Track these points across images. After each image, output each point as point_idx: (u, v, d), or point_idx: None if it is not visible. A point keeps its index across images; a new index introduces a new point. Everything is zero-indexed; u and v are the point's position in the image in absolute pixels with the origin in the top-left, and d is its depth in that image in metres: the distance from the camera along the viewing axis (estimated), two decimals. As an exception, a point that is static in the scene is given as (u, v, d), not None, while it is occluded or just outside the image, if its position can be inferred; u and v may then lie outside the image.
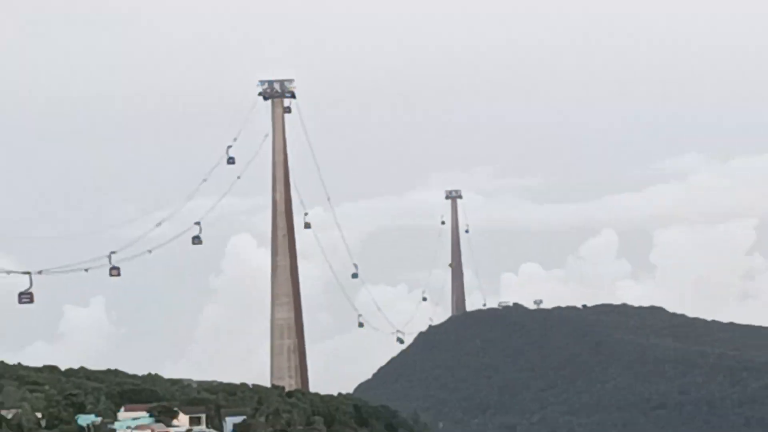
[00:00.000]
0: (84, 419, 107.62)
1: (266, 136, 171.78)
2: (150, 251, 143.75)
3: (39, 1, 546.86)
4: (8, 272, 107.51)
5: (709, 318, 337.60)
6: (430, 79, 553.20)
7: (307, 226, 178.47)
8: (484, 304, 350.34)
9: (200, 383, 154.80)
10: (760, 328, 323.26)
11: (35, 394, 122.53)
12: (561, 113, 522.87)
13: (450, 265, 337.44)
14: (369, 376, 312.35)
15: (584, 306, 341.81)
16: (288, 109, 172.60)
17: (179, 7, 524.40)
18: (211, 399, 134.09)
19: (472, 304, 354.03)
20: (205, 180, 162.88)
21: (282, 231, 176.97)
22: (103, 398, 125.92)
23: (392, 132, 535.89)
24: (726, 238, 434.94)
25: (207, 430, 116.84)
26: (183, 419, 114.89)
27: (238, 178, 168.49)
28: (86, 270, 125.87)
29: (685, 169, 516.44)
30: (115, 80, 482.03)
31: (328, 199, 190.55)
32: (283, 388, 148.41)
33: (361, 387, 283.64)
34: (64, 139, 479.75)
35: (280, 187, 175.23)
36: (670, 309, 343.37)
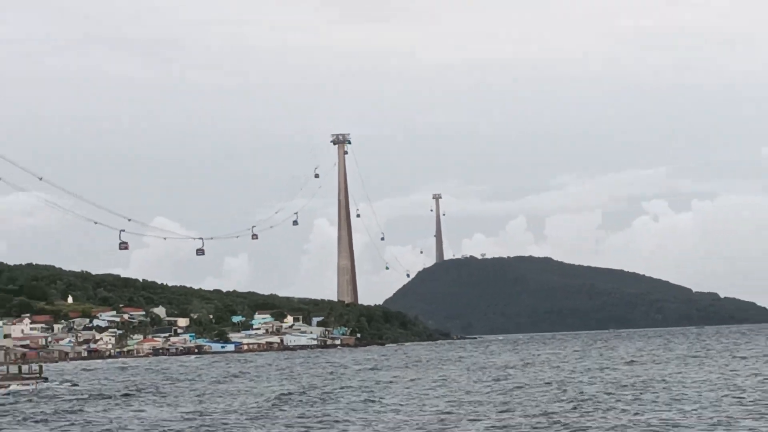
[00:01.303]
0: (235, 318, 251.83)
1: (334, 164, 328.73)
2: (272, 227, 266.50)
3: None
4: (194, 238, 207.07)
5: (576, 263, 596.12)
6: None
7: (357, 215, 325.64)
8: (453, 255, 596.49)
9: (300, 299, 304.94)
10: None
11: (209, 304, 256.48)
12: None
13: (434, 235, 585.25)
14: (390, 295, 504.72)
15: (508, 257, 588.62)
16: (346, 151, 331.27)
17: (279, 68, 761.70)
18: (304, 307, 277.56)
19: (447, 255, 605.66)
20: (301, 188, 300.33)
21: (343, 217, 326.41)
22: (246, 307, 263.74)
23: (409, 159, 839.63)
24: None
25: (302, 324, 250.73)
26: (289, 318, 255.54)
27: (320, 187, 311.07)
28: (237, 237, 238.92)
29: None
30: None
31: (368, 198, 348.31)
32: (344, 301, 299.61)
33: (386, 301, 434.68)
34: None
35: (342, 192, 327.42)
36: (558, 259, 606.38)
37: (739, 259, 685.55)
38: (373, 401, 58.08)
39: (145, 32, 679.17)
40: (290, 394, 66.25)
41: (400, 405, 53.43)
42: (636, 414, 40.65)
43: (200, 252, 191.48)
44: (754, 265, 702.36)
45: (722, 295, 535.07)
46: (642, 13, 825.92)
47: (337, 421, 44.28)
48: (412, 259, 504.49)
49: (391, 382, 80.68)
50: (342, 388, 72.24)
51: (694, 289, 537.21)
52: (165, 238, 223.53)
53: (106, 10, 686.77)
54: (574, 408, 46.83)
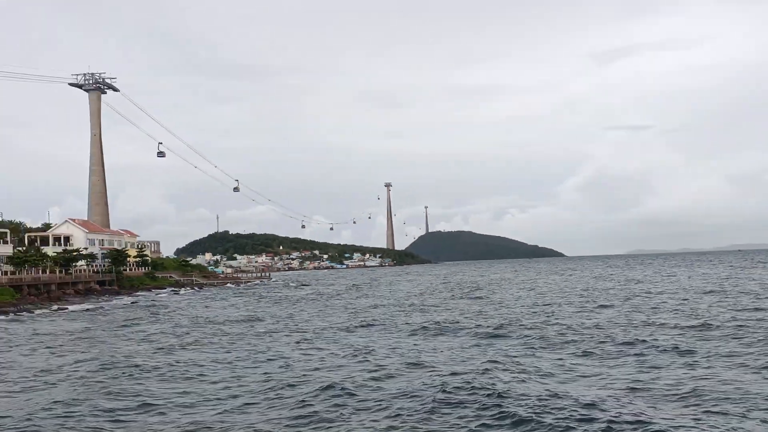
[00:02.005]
0: (347, 255, 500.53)
1: (378, 198, 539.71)
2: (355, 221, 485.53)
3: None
4: (330, 223, 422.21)
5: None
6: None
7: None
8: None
9: (372, 247, 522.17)
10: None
11: (335, 249, 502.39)
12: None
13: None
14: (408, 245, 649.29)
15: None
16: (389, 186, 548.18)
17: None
18: (368, 249, 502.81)
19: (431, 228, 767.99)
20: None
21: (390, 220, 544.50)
22: (352, 250, 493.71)
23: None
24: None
25: (372, 257, 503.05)
26: (368, 255, 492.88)
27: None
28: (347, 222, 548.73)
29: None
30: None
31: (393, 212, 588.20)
32: (389, 248, 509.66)
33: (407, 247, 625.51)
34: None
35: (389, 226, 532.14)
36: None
37: None
38: (390, 285, 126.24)
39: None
40: (357, 284, 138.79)
41: (399, 289, 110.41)
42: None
43: (331, 229, 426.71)
44: None
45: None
46: None
47: (377, 291, 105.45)
48: (413, 231, 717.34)
49: (399, 280, 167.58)
50: (377, 282, 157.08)
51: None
52: (319, 224, 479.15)
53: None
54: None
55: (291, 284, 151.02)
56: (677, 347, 32.26)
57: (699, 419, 19.56)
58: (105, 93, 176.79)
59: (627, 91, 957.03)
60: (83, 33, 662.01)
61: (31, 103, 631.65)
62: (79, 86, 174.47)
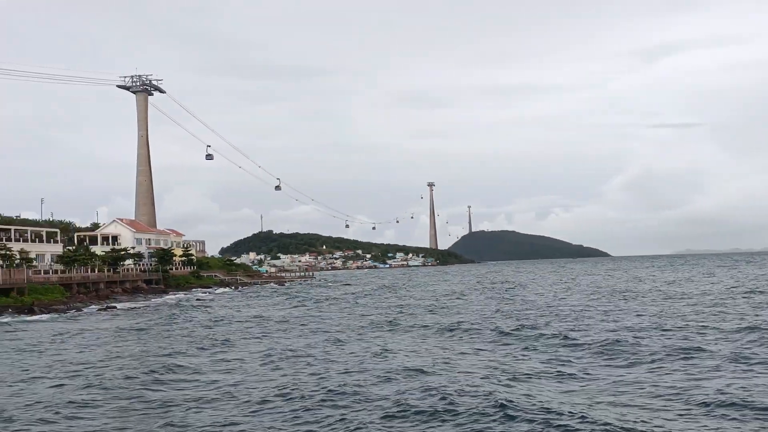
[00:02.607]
0: (390, 254, 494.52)
1: (421, 197, 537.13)
2: (398, 221, 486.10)
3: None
4: (372, 222, 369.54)
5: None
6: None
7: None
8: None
9: (415, 246, 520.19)
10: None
11: (378, 249, 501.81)
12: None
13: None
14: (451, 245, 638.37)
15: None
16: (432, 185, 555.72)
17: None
18: (411, 249, 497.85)
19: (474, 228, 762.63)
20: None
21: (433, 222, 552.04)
22: (395, 250, 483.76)
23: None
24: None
25: (415, 257, 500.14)
26: (411, 254, 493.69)
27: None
28: (390, 221, 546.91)
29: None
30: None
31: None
32: (432, 247, 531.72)
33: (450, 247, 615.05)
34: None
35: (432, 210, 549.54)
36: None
37: None
38: (427, 284, 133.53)
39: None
40: (394, 284, 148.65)
41: (436, 285, 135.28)
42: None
43: (373, 228, 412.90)
44: None
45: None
46: None
47: (409, 291, 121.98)
48: (457, 231, 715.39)
49: (435, 281, 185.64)
50: (413, 282, 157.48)
51: None
52: (362, 223, 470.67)
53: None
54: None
55: (330, 284, 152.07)
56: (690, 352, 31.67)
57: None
58: (152, 95, 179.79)
59: (673, 88, 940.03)
60: (130, 36, 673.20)
61: (80, 105, 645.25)
62: (127, 88, 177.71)
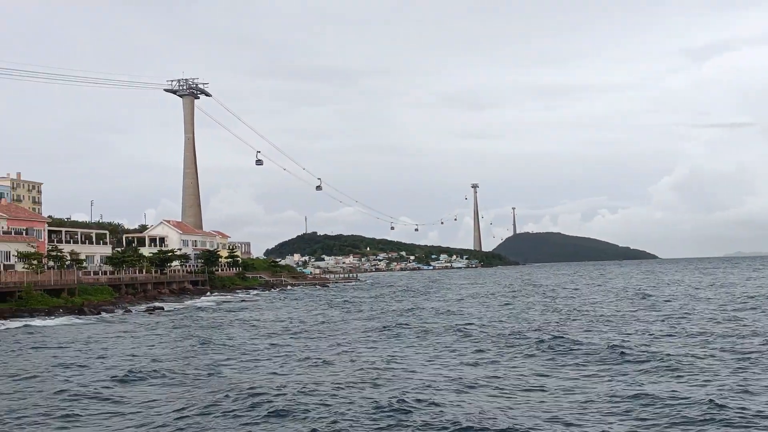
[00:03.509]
0: (434, 256, 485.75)
1: (466, 198, 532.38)
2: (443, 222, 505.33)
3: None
4: (415, 224, 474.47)
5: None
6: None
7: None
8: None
9: (459, 248, 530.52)
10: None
11: (422, 250, 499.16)
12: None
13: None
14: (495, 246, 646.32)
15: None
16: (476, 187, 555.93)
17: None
18: (454, 251, 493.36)
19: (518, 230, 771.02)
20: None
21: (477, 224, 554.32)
22: (438, 252, 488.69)
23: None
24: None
25: (458, 258, 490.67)
26: (455, 256, 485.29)
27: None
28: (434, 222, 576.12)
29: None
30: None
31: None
32: (476, 249, 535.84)
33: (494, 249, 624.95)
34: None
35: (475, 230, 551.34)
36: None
37: None
38: (459, 285, 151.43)
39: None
40: (437, 279, 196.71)
41: (471, 286, 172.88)
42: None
43: (416, 230, 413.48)
44: None
45: None
46: None
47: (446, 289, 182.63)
48: (501, 232, 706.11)
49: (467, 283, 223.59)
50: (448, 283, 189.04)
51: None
52: (406, 225, 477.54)
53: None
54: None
55: (373, 285, 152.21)
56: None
57: None
58: (198, 98, 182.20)
59: (724, 87, 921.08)
60: (176, 40, 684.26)
61: (128, 108, 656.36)
62: (174, 92, 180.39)
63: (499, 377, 28.25)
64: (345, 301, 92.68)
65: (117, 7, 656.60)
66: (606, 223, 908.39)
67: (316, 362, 33.84)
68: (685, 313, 55.53)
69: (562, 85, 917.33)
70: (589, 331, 44.37)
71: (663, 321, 49.67)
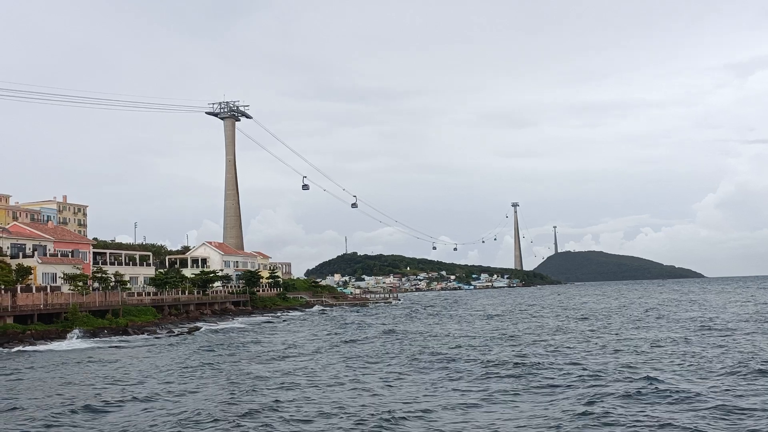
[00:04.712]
0: (474, 276, 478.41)
1: (507, 216, 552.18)
2: (484, 241, 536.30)
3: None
4: (454, 243, 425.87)
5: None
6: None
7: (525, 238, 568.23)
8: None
9: (499, 267, 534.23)
10: None
11: (462, 270, 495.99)
12: None
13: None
14: (536, 265, 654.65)
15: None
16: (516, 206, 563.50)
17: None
18: (495, 270, 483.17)
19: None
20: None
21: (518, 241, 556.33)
22: (479, 271, 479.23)
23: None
24: None
25: (499, 278, 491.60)
26: (495, 276, 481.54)
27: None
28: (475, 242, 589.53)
29: None
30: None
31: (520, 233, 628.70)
32: (516, 268, 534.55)
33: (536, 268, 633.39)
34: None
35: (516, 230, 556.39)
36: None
37: None
38: (490, 297, 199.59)
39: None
40: (458, 299, 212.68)
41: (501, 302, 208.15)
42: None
43: (455, 249, 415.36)
44: None
45: None
46: None
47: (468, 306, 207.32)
48: (543, 251, 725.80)
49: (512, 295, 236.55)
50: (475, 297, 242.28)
51: None
52: (445, 244, 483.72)
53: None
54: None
55: (413, 306, 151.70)
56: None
57: None
58: (239, 120, 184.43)
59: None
60: (217, 62, 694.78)
61: (171, 131, 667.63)
62: (215, 114, 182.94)
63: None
64: (357, 323, 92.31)
65: (159, 32, 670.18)
66: (649, 242, 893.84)
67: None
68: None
69: (604, 102, 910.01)
70: (523, 356, 44.08)
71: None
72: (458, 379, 34.59)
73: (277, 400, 29.31)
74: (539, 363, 39.12)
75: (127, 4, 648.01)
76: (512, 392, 30.10)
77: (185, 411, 27.64)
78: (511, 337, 58.72)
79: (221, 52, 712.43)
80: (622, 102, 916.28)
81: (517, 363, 39.38)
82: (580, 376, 33.77)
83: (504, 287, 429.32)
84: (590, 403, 26.38)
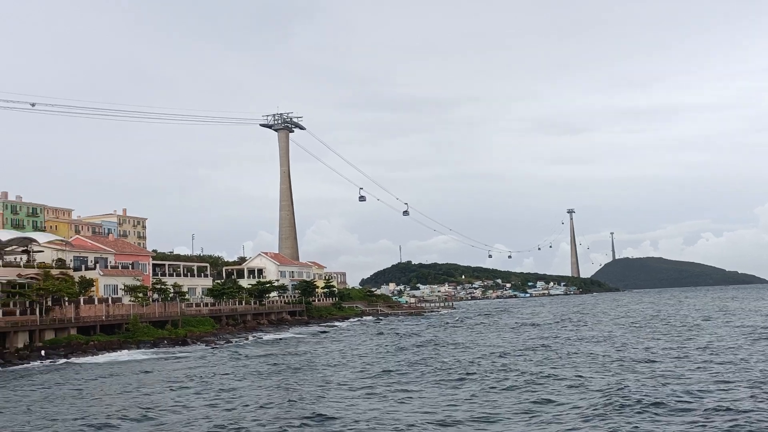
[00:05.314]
0: (530, 284, 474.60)
1: (562, 223, 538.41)
2: (540, 248, 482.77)
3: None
4: (509, 251, 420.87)
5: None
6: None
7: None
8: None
9: (556, 275, 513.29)
10: None
11: (518, 278, 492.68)
12: None
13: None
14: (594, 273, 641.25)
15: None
16: (572, 212, 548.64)
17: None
18: (551, 277, 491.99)
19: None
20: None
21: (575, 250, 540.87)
22: (534, 279, 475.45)
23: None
24: None
25: (556, 285, 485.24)
26: (551, 283, 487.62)
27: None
28: (530, 250, 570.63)
29: None
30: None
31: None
32: (573, 276, 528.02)
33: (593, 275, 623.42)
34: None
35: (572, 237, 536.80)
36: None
37: None
38: (543, 305, 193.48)
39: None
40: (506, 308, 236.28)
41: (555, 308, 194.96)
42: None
43: (509, 257, 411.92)
44: None
45: None
46: None
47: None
48: (600, 258, 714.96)
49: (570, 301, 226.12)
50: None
51: None
52: (500, 252, 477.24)
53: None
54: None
55: (467, 315, 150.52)
56: None
57: None
58: (293, 131, 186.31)
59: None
60: (270, 75, 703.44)
61: (226, 144, 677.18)
62: (269, 126, 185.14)
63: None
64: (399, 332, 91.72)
65: (213, 47, 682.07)
66: (710, 247, 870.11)
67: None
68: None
69: (656, 106, 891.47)
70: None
71: None
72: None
73: (323, 414, 29.14)
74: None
75: (180, 23, 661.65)
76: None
77: (242, 420, 27.71)
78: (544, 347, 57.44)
79: (273, 66, 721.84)
80: (674, 106, 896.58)
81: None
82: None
83: (561, 295, 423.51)
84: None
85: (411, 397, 32.50)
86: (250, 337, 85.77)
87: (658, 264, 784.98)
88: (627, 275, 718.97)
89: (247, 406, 31.87)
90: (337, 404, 31.28)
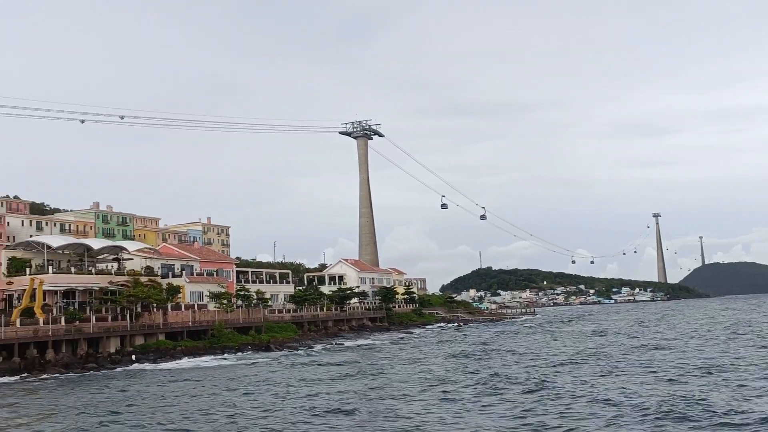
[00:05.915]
0: (615, 289, 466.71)
1: (648, 227, 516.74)
2: (624, 253, 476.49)
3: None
4: (591, 257, 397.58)
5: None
6: None
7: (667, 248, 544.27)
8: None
9: (642, 280, 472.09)
10: None
11: (602, 283, 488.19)
12: None
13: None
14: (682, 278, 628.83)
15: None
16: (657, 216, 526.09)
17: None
18: (637, 283, 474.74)
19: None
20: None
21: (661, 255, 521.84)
22: (619, 285, 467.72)
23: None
24: None
25: (642, 291, 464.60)
26: (637, 289, 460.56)
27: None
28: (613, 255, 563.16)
29: None
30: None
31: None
32: (660, 281, 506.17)
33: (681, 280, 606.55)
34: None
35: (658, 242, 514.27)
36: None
37: None
38: (627, 312, 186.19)
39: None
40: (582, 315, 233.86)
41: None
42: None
43: (592, 262, 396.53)
44: None
45: None
46: None
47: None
48: (688, 264, 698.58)
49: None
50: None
51: None
52: (583, 257, 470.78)
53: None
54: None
55: (552, 321, 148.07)
56: None
57: None
58: (371, 139, 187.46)
59: None
60: (348, 83, 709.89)
61: (306, 152, 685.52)
62: (348, 134, 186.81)
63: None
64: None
65: (295, 57, 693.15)
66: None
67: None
68: None
69: (744, 106, 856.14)
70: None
71: None
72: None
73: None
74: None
75: (257, 35, 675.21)
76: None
77: (323, 426, 27.91)
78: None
79: (351, 74, 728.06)
80: (763, 106, 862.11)
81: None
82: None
83: (647, 301, 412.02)
84: None
85: (492, 404, 32.10)
86: (333, 344, 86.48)
87: (750, 269, 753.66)
88: (717, 281, 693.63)
89: (328, 411, 32.09)
90: (417, 414, 31.14)
